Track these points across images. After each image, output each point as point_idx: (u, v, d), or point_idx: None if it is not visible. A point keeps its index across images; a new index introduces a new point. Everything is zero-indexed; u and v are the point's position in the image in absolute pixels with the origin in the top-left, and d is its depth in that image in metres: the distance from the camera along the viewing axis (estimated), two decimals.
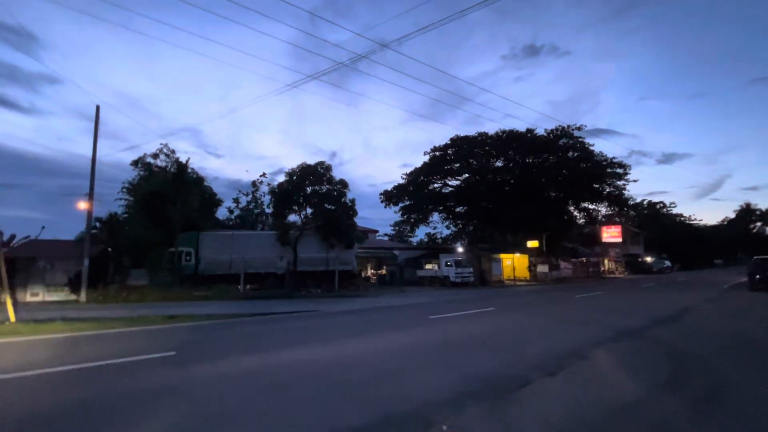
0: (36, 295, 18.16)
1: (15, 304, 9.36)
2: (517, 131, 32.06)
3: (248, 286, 22.26)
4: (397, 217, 38.52)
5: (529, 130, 31.92)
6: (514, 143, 32.02)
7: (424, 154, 32.83)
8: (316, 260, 24.28)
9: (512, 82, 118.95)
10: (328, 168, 22.95)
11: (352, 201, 23.50)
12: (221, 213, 34.41)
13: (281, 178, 36.17)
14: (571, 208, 36.01)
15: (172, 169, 27.02)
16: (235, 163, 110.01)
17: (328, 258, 24.51)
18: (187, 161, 23.83)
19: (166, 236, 21.58)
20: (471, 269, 27.62)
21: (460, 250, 31.26)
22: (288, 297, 20.51)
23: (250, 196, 37.56)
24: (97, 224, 21.10)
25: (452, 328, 8.81)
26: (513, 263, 31.34)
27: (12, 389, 4.39)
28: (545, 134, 32.15)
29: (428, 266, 34.33)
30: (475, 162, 32.72)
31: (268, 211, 40.87)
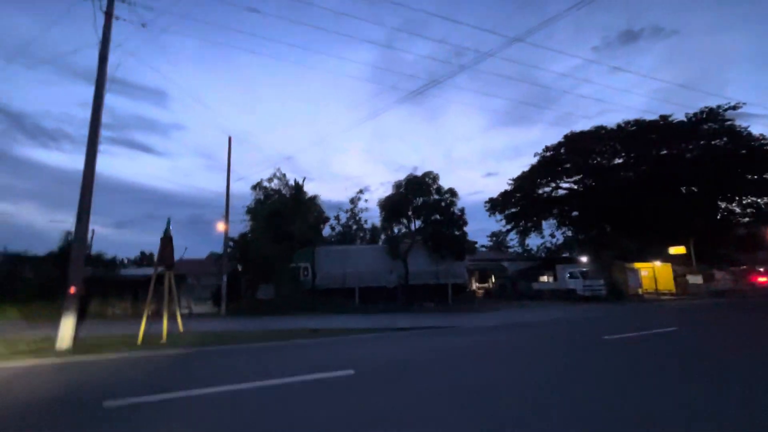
0: (186, 308, 20.42)
1: (190, 315, 10.10)
2: (645, 120, 27.59)
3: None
4: (496, 226, 36.11)
5: (664, 117, 27.19)
6: (643, 134, 27.56)
7: (534, 155, 30.13)
8: (426, 273, 23.46)
9: (607, 74, 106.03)
10: (435, 178, 22.18)
11: (462, 210, 22.33)
12: (324, 230, 36.08)
13: (367, 196, 36.98)
14: (724, 205, 29.53)
15: (283, 191, 29.12)
16: (325, 184, 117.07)
17: (438, 271, 23.53)
18: (303, 181, 25.12)
19: (287, 252, 22.82)
20: (601, 281, 24.02)
21: (584, 259, 27.63)
22: (403, 311, 19.91)
23: (349, 213, 39.07)
24: (231, 244, 23.34)
25: (667, 352, 6.94)
26: (653, 273, 26.54)
27: (242, 404, 4.14)
28: (685, 120, 27.08)
29: (543, 278, 31.13)
30: (593, 160, 28.95)
31: (367, 226, 42.09)
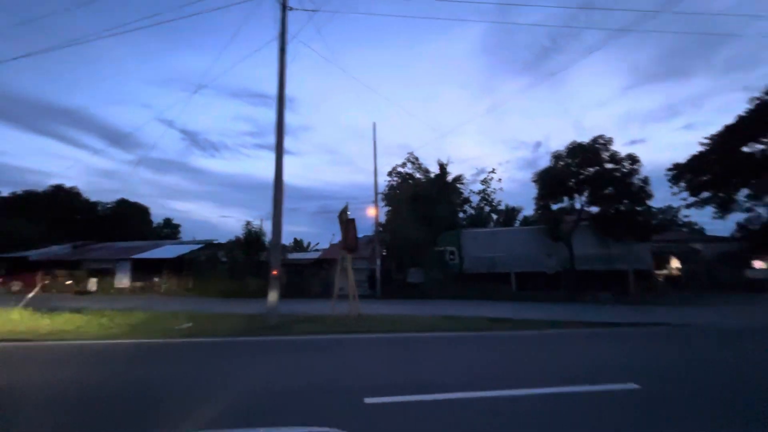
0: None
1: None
2: None
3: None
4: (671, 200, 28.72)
5: None
6: None
7: (749, 100, 22.27)
8: (594, 257, 19.95)
9: None
10: (608, 143, 18.35)
11: (645, 180, 18.04)
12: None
13: (481, 177, 33.82)
14: None
15: (416, 174, 28.67)
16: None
17: (611, 254, 19.78)
18: (447, 162, 24.03)
19: (431, 236, 22.20)
20: None
21: None
22: (571, 301, 17.26)
23: (482, 194, 36.70)
24: (380, 228, 23.94)
25: None
26: None
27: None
28: None
29: (759, 265, 23.75)
30: None
31: (501, 208, 39.06)
